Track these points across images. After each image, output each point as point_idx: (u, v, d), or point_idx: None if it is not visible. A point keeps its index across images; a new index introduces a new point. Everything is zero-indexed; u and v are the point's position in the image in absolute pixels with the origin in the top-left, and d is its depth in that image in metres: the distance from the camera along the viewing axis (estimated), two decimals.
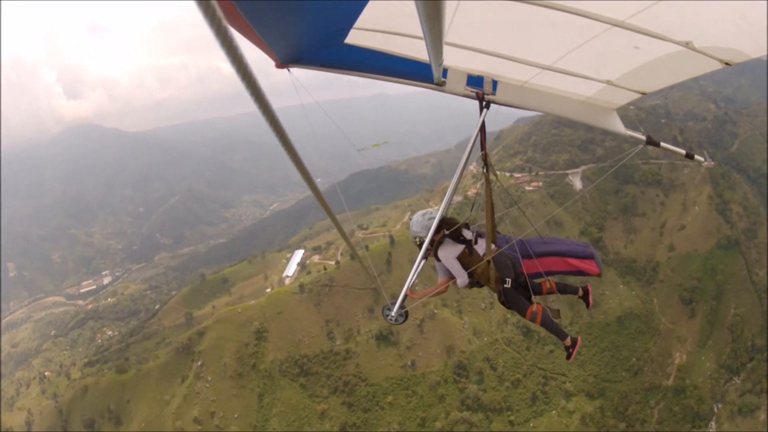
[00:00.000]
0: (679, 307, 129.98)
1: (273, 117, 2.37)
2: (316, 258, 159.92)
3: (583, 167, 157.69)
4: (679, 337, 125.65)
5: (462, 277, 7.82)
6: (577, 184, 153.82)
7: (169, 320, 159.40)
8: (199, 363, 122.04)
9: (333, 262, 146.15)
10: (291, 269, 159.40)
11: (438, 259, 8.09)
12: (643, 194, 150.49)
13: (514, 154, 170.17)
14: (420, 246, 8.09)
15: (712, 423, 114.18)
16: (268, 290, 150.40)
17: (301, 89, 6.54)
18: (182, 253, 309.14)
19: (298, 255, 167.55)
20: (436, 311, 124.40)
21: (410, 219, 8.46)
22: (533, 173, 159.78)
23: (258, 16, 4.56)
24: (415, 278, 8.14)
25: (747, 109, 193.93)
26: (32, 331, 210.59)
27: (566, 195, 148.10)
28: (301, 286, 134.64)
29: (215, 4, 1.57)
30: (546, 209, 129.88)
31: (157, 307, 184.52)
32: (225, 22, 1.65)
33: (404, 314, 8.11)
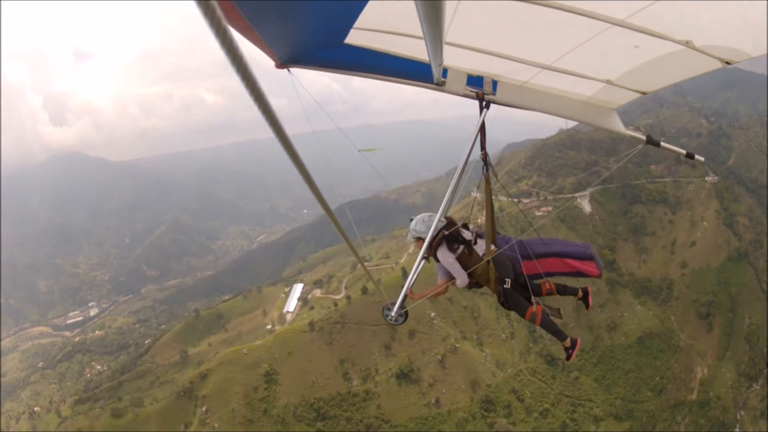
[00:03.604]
0: (696, 323, 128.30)
1: (273, 118, 2.30)
2: (318, 292, 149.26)
3: (591, 189, 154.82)
4: (699, 352, 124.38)
5: (461, 278, 7.57)
6: (586, 206, 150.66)
7: (162, 358, 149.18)
8: (204, 408, 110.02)
9: (339, 297, 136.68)
10: (291, 305, 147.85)
11: (437, 260, 7.76)
12: (651, 213, 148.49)
13: (519, 179, 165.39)
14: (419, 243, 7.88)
15: (736, 429, 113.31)
16: (269, 327, 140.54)
17: (301, 90, 6.37)
18: (169, 285, 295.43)
19: (298, 289, 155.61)
20: (457, 345, 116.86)
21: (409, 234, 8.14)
22: (541, 198, 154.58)
23: (258, 16, 4.53)
24: (415, 278, 7.97)
25: (738, 122, 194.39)
26: (19, 361, 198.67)
27: (576, 218, 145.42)
28: (311, 323, 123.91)
29: (215, 4, 1.53)
30: (558, 234, 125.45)
31: (147, 342, 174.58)
32: (225, 22, 1.61)
33: (404, 314, 7.98)
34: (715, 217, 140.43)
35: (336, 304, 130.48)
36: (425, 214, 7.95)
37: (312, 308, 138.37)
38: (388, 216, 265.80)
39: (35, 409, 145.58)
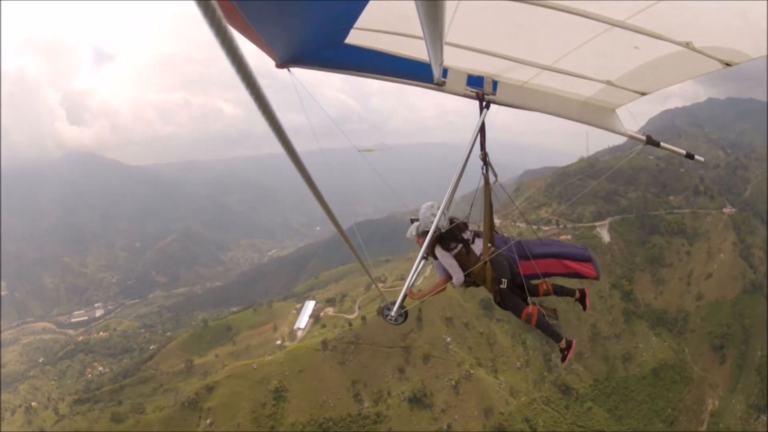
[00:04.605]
0: (710, 355, 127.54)
1: (273, 118, 2.26)
2: (330, 311, 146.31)
3: (610, 219, 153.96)
4: (711, 384, 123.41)
5: (458, 276, 7.50)
6: (605, 236, 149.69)
7: (167, 365, 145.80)
8: (208, 421, 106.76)
9: (352, 316, 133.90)
10: (303, 321, 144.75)
11: (435, 258, 7.71)
12: (669, 244, 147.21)
13: (539, 206, 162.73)
14: (419, 237, 7.89)
15: None
16: (279, 342, 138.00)
17: (301, 89, 6.28)
18: (177, 292, 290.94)
19: (310, 306, 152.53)
20: (472, 371, 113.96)
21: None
22: (561, 226, 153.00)
23: (258, 16, 4.55)
24: (415, 278, 7.75)
25: (754, 153, 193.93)
26: (20, 354, 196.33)
27: (595, 248, 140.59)
28: (324, 342, 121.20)
29: (215, 4, 1.52)
30: None
31: (152, 347, 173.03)
32: (225, 22, 1.59)
33: (404, 314, 7.82)
34: (731, 248, 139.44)
35: (350, 324, 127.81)
36: (428, 206, 7.86)
37: (324, 326, 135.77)
38: (402, 237, 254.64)
39: (32, 404, 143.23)
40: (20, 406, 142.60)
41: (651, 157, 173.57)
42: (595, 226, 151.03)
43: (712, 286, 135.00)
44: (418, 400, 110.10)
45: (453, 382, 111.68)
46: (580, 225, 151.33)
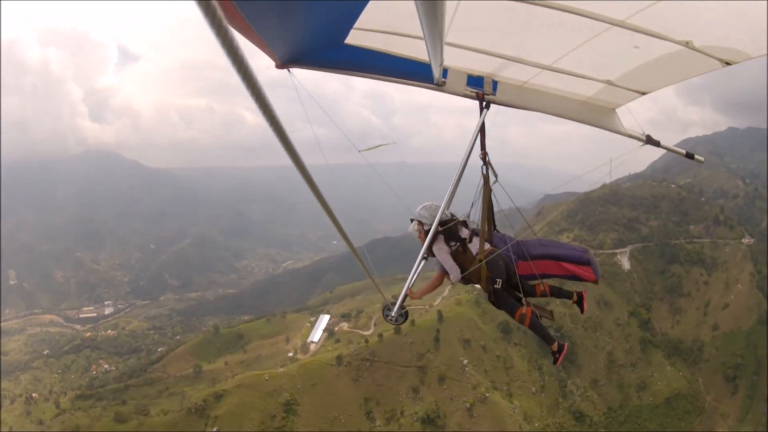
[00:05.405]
0: (723, 385, 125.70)
1: (274, 118, 2.28)
2: (345, 326, 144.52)
3: (631, 246, 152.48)
4: (723, 414, 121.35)
5: (454, 273, 7.47)
6: (625, 263, 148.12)
7: (174, 369, 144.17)
8: (215, 429, 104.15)
9: (368, 333, 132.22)
10: (317, 335, 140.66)
11: (434, 256, 7.67)
12: (688, 274, 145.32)
13: (560, 231, 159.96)
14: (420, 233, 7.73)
15: None
16: (291, 354, 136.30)
17: (301, 90, 6.22)
18: (189, 297, 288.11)
19: (324, 320, 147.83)
20: (487, 394, 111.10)
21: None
22: None
23: (258, 16, 4.54)
24: (415, 278, 7.74)
25: None
26: (24, 344, 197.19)
27: (615, 275, 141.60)
28: (339, 357, 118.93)
29: (215, 4, 1.51)
30: (596, 290, 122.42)
31: (160, 350, 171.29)
32: (225, 22, 1.60)
33: (404, 314, 7.86)
34: (749, 279, 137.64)
35: (367, 341, 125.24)
36: (430, 203, 7.81)
37: (338, 341, 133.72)
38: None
39: (33, 394, 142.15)
40: (20, 395, 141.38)
41: (672, 186, 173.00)
42: (615, 254, 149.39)
43: (727, 317, 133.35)
44: (431, 421, 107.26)
45: (467, 405, 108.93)
46: (600, 251, 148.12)
